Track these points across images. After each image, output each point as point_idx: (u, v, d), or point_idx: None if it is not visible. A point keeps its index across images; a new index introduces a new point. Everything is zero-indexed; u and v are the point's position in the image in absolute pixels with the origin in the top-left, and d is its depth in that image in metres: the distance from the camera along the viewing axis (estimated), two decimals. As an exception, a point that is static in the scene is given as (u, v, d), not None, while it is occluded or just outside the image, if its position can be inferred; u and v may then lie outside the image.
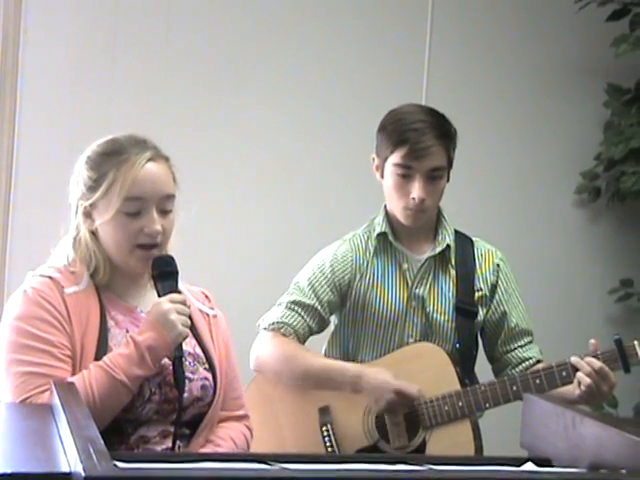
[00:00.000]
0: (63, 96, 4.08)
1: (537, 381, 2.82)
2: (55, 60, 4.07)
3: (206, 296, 2.57)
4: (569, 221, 4.58)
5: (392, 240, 3.00)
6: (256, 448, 2.60)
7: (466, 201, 4.35)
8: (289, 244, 4.18)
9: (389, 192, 2.97)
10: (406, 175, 2.91)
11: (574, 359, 2.81)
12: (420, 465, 1.88)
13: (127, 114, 4.03)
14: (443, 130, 2.95)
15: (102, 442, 1.65)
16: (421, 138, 2.89)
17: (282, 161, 4.30)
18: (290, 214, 4.30)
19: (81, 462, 1.53)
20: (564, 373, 2.82)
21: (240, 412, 2.55)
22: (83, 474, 1.49)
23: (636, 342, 2.80)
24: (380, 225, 3.02)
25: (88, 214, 2.39)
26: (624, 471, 1.79)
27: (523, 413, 2.18)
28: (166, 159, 2.41)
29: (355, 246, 3.03)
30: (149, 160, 2.35)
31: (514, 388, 2.84)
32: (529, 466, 1.97)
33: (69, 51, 4.09)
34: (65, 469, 1.62)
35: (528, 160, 4.54)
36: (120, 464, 1.65)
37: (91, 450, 1.58)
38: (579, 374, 2.79)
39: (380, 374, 2.87)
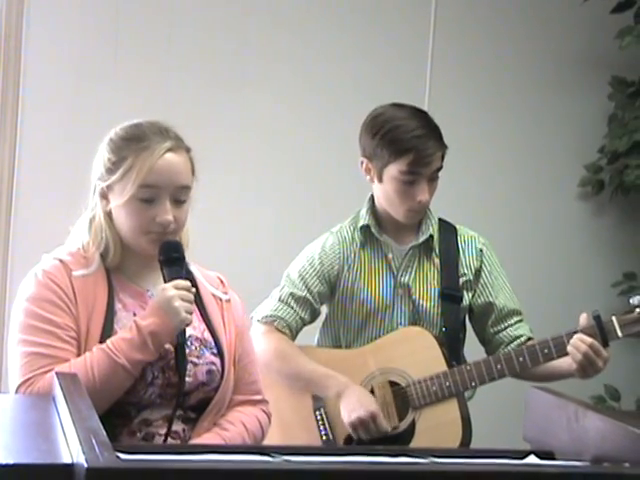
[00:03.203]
0: (65, 94, 4.09)
1: (520, 359, 2.90)
2: (57, 58, 4.08)
3: (221, 281, 2.59)
4: (572, 214, 4.58)
5: (375, 233, 3.06)
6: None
7: (469, 194, 4.35)
8: (289, 237, 4.17)
9: (388, 196, 3.02)
10: (412, 181, 2.97)
11: (569, 348, 2.85)
12: (422, 457, 1.88)
13: (129, 113, 4.00)
14: (438, 132, 3.02)
15: (104, 433, 1.65)
16: (426, 145, 2.96)
17: (285, 157, 4.30)
18: (292, 208, 4.30)
19: (83, 453, 1.53)
20: (546, 350, 2.89)
21: (256, 397, 2.55)
22: (85, 465, 1.49)
23: (614, 318, 2.90)
24: (364, 217, 3.08)
25: (104, 195, 2.42)
26: (627, 464, 1.79)
27: (526, 406, 2.19)
28: (187, 150, 2.45)
29: (342, 238, 3.09)
30: (168, 150, 2.39)
31: (498, 367, 2.91)
32: (532, 459, 1.97)
33: (71, 50, 4.09)
34: (67, 460, 1.62)
35: (532, 153, 4.53)
36: (122, 455, 1.65)
37: (93, 441, 1.58)
38: (572, 351, 2.83)
39: (364, 398, 2.90)
